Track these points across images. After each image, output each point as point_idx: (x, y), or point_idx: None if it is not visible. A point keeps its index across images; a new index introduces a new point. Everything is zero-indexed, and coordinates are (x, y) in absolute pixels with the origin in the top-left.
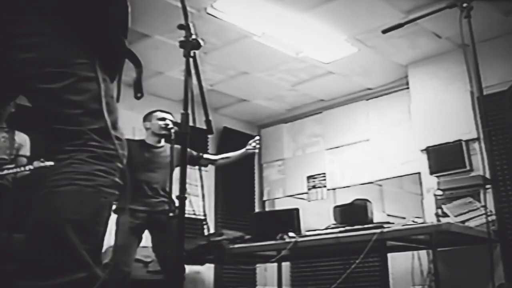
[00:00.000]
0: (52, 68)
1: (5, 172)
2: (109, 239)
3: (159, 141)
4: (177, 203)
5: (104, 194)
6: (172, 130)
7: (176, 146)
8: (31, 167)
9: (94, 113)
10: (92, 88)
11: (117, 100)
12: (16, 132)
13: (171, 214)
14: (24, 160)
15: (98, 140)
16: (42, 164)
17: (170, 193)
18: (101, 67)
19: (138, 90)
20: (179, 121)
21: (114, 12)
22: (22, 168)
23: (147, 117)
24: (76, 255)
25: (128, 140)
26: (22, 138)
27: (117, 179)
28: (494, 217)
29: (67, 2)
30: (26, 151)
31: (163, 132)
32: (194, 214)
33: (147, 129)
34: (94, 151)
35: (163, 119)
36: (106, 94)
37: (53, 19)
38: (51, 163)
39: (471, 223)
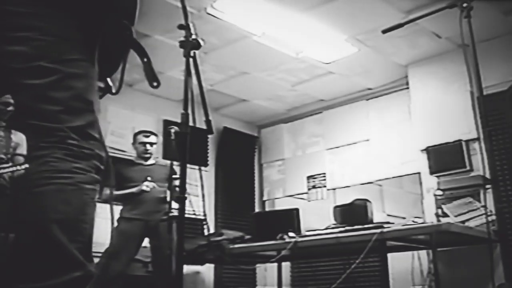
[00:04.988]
0: (38, 62)
1: (2, 171)
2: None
3: (146, 160)
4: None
5: (85, 190)
6: (172, 130)
7: (162, 163)
8: (28, 166)
9: (74, 111)
10: (77, 86)
11: (117, 92)
12: (13, 131)
13: (164, 217)
14: (21, 159)
15: (75, 138)
16: None
17: (168, 202)
18: (99, 62)
19: (152, 79)
20: (179, 121)
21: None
22: (19, 167)
23: (134, 138)
24: (68, 254)
25: (118, 161)
26: (19, 137)
27: (95, 176)
28: (494, 217)
29: None
30: (23, 150)
31: (144, 155)
32: (194, 214)
33: (135, 149)
34: (71, 149)
35: (144, 144)
36: (90, 93)
37: (51, 11)
38: None
39: (471, 223)
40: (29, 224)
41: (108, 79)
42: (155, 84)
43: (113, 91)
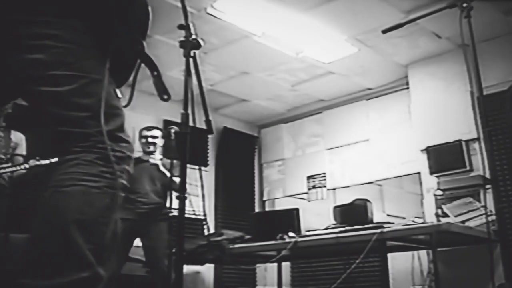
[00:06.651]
0: (58, 70)
1: (2, 171)
2: None
3: (150, 154)
4: (175, 205)
5: (110, 195)
6: (172, 130)
7: (166, 164)
8: (27, 166)
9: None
10: (100, 92)
11: (128, 103)
12: (12, 131)
13: (157, 217)
14: (20, 159)
15: (107, 143)
16: (38, 163)
17: (162, 201)
18: (111, 70)
19: (163, 92)
20: (179, 121)
21: (135, 12)
22: (18, 167)
23: (139, 135)
24: (80, 254)
25: None
26: (18, 137)
27: (123, 181)
28: (494, 217)
29: (86, 2)
30: (22, 150)
31: (148, 150)
32: (194, 214)
33: (140, 145)
34: (103, 153)
35: (146, 137)
36: (112, 97)
37: (66, 21)
38: (47, 161)
39: (471, 223)
40: (49, 221)
41: (118, 90)
42: (165, 97)
43: (123, 103)
